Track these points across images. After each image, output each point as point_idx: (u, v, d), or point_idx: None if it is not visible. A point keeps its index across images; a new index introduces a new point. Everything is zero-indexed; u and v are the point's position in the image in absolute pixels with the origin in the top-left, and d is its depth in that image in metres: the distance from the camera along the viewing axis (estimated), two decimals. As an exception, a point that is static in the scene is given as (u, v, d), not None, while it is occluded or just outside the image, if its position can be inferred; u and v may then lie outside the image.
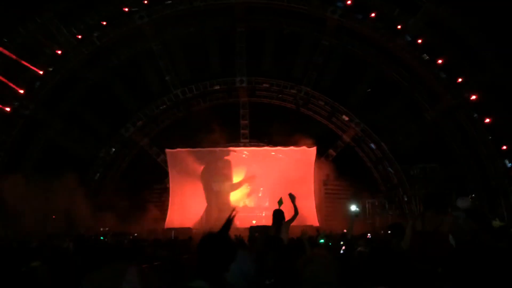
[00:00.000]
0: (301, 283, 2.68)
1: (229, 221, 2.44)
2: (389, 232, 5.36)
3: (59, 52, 17.45)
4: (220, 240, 2.35)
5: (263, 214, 17.88)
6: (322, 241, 7.45)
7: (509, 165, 16.07)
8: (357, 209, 7.06)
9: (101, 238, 11.45)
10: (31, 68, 17.27)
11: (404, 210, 17.46)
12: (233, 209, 2.59)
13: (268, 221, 6.96)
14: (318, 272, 2.66)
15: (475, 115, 16.50)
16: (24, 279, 4.51)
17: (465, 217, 4.25)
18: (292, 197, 7.04)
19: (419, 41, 16.86)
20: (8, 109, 16.90)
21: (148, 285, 1.69)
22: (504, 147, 16.12)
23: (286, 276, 3.35)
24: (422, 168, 17.07)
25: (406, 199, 17.70)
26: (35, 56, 17.51)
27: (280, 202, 7.30)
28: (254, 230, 13.58)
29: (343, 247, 7.64)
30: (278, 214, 6.50)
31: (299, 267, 2.89)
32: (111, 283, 1.60)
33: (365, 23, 17.28)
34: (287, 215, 6.98)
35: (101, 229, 15.52)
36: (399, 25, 16.98)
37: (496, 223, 6.66)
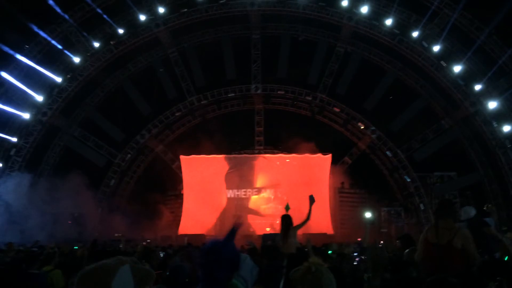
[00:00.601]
0: None
1: (234, 228, 2.41)
2: (400, 242, 5.25)
3: (77, 60, 17.75)
4: (224, 248, 2.32)
5: (277, 222, 17.76)
6: (330, 252, 7.34)
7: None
8: (372, 216, 6.96)
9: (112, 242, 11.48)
10: (50, 76, 17.63)
11: (420, 218, 17.16)
12: (239, 217, 2.56)
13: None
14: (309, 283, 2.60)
15: (494, 123, 16.21)
16: (38, 282, 4.56)
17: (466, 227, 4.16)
18: (311, 200, 6.90)
19: (436, 48, 16.68)
20: (27, 115, 17.24)
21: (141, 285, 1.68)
22: (524, 156, 15.80)
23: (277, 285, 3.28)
24: (440, 176, 16.78)
25: (422, 208, 17.40)
26: (54, 63, 17.90)
27: (287, 207, 7.23)
28: (267, 237, 13.50)
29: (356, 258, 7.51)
30: (285, 220, 6.44)
31: (293, 278, 2.84)
32: (102, 281, 1.59)
33: (381, 30, 17.16)
34: (299, 221, 6.90)
35: (115, 234, 15.61)
36: (415, 31, 16.82)
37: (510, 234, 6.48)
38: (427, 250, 3.83)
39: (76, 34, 17.52)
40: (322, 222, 17.57)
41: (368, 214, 6.97)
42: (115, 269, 1.60)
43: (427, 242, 3.83)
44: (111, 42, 17.97)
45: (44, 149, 18.15)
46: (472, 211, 5.67)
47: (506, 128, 15.89)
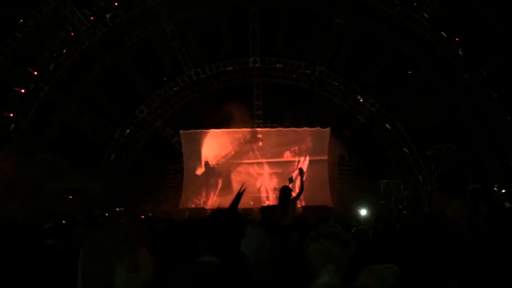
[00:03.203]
0: (306, 260, 2.65)
1: (238, 196, 2.44)
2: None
3: (72, 34, 17.50)
4: (229, 215, 2.35)
5: (277, 194, 17.91)
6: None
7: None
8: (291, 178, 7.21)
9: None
10: (45, 51, 17.43)
11: (419, 190, 17.29)
12: (242, 185, 2.57)
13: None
14: (328, 250, 2.62)
15: (494, 94, 16.15)
16: (41, 255, 4.61)
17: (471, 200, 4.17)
18: (301, 172, 7.04)
19: (436, 18, 16.45)
20: (23, 90, 17.12)
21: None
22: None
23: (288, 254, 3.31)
24: (438, 148, 16.81)
25: (421, 180, 17.51)
26: (49, 38, 17.66)
27: (291, 179, 7.32)
28: (265, 210, 13.60)
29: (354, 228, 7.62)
30: (284, 192, 6.51)
31: (305, 246, 2.85)
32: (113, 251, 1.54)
33: (381, 0, 16.87)
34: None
35: (117, 209, 15.76)
36: (415, 2, 16.56)
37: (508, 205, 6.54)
38: (420, 220, 3.87)
39: (70, 8, 17.20)
40: (321, 195, 17.72)
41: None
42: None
43: (422, 213, 3.87)
44: (107, 15, 17.67)
45: (42, 126, 18.07)
46: (476, 186, 5.69)
47: (506, 100, 15.90)
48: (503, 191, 10.65)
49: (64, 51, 17.62)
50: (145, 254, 1.58)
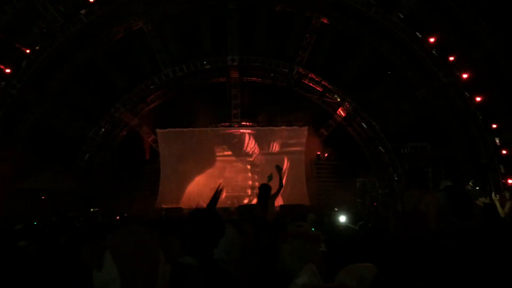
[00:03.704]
0: (280, 261, 2.63)
1: (216, 195, 2.42)
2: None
3: (46, 30, 17.08)
4: (208, 214, 2.31)
5: (255, 193, 17.92)
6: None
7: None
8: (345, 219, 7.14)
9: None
10: (18, 47, 16.98)
11: (394, 188, 17.55)
12: (220, 184, 2.55)
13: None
14: (298, 249, 2.60)
15: (467, 93, 16.50)
16: (14, 257, 4.50)
17: (443, 195, 4.23)
18: (278, 169, 7.06)
19: (412, 18, 16.69)
20: (-5, 88, 16.66)
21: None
22: (494, 126, 16.18)
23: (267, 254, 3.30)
24: (413, 147, 17.09)
25: (396, 178, 17.79)
26: (22, 34, 17.20)
27: (270, 177, 7.33)
28: (243, 209, 13.67)
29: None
30: (263, 190, 6.51)
31: (279, 245, 2.84)
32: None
33: (358, 0, 17.01)
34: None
35: (91, 209, 15.47)
36: (391, 2, 16.77)
37: (482, 200, 6.70)
38: (396, 220, 3.91)
39: (43, 4, 16.78)
40: (298, 193, 17.83)
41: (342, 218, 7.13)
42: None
43: (396, 212, 3.91)
44: (81, 11, 17.31)
45: (15, 123, 17.62)
46: (448, 183, 5.79)
47: (478, 99, 16.26)
48: (477, 188, 10.88)
49: (37, 47, 17.17)
50: (177, 245, 1.60)
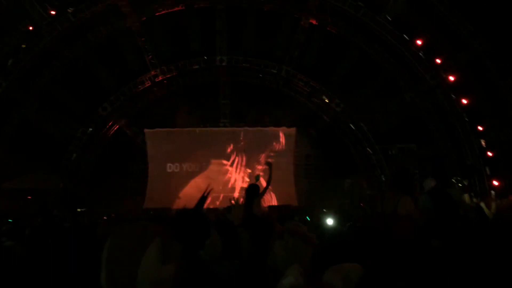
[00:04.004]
0: (272, 256, 2.65)
1: (204, 197, 2.42)
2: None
3: (32, 28, 16.92)
4: (194, 216, 2.31)
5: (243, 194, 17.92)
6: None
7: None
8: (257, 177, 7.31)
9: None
10: (3, 46, 16.79)
11: (382, 189, 17.66)
12: (208, 186, 2.55)
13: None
14: (292, 247, 2.63)
15: (453, 96, 16.67)
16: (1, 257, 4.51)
17: (426, 198, 4.28)
18: (269, 165, 7.10)
19: (399, 21, 16.82)
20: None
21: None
22: (480, 128, 16.36)
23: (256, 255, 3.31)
24: (400, 148, 17.23)
25: (384, 179, 17.91)
26: (7, 33, 17.01)
27: (257, 177, 7.37)
28: (229, 210, 13.62)
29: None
30: (250, 189, 6.52)
31: (271, 243, 2.86)
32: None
33: (346, 2, 17.10)
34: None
35: (78, 209, 15.37)
36: (379, 4, 16.87)
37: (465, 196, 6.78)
38: (376, 220, 3.94)
39: (30, 1, 16.61)
40: (286, 194, 17.87)
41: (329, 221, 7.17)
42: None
43: (376, 213, 3.95)
44: (69, 10, 17.17)
45: (0, 123, 17.41)
46: (431, 182, 5.85)
47: (464, 101, 16.43)
48: (461, 184, 10.96)
49: (23, 46, 16.99)
50: (176, 246, 1.63)
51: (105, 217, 12.73)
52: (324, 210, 15.55)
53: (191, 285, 2.01)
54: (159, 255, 1.54)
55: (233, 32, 18.87)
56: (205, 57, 19.11)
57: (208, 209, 16.19)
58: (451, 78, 16.44)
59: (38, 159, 15.90)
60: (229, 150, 19.19)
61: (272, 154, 18.92)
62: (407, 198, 3.83)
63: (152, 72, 18.92)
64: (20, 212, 13.00)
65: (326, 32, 18.45)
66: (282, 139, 19.19)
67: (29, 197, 15.93)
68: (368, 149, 18.61)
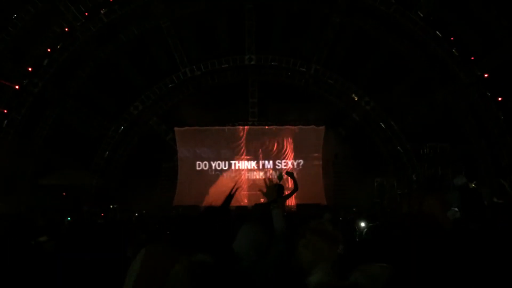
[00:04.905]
0: (296, 256, 2.65)
1: (230, 195, 2.44)
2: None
3: (67, 29, 17.38)
4: (219, 213, 2.34)
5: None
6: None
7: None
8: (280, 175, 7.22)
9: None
10: (40, 46, 17.31)
11: (413, 189, 17.35)
12: (235, 184, 2.58)
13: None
14: (314, 246, 2.61)
15: (488, 93, 16.21)
16: (33, 252, 4.60)
17: (455, 194, 4.18)
18: (289, 174, 7.12)
19: (432, 17, 16.48)
20: (17, 86, 16.99)
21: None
22: (516, 126, 15.88)
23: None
24: (432, 147, 16.86)
25: (414, 179, 17.58)
26: (43, 33, 17.52)
27: (280, 176, 7.34)
28: (256, 208, 13.79)
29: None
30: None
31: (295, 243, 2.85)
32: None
33: (378, -1, 16.86)
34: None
35: (110, 206, 15.71)
36: (411, 1, 16.58)
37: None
38: (402, 220, 3.89)
39: (65, 3, 17.07)
40: (315, 192, 17.79)
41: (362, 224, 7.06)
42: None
43: (400, 212, 3.90)
44: (101, 11, 17.56)
45: (36, 121, 17.96)
46: (462, 179, 5.72)
47: (499, 99, 15.97)
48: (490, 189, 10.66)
49: (58, 46, 17.48)
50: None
51: (136, 214, 12.97)
52: (354, 209, 15.43)
53: (222, 282, 2.03)
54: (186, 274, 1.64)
55: (262, 31, 18.89)
56: (234, 56, 19.19)
57: (239, 207, 16.32)
58: (486, 76, 15.99)
59: (72, 157, 16.33)
60: (257, 148, 19.24)
61: (301, 152, 18.87)
62: (432, 198, 3.75)
63: (182, 71, 19.10)
64: (55, 208, 13.39)
65: (356, 29, 18.25)
66: (311, 137, 19.12)
67: (64, 194, 16.37)
68: (398, 147, 18.31)
